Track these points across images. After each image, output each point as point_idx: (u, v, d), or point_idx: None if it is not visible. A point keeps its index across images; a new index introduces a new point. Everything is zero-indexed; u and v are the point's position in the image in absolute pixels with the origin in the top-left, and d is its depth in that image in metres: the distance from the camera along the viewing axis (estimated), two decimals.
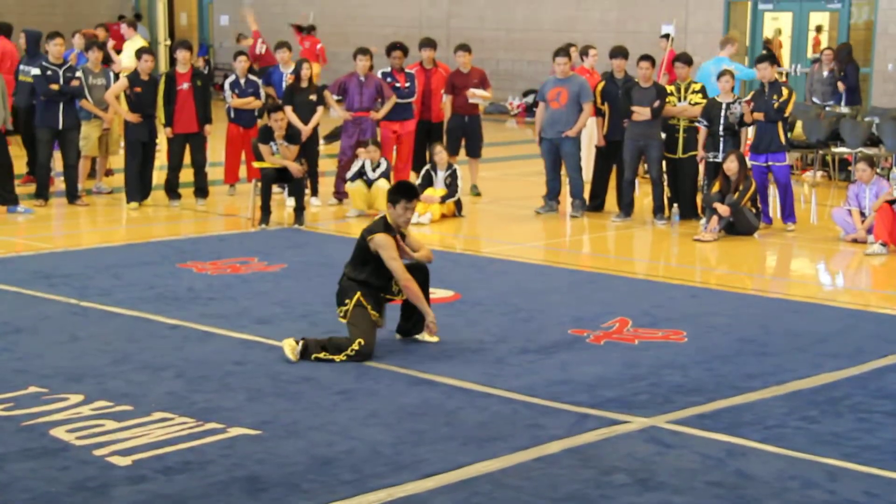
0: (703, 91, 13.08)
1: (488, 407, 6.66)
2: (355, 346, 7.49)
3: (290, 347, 7.48)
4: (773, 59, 13.00)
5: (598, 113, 13.53)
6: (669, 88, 13.15)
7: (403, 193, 7.87)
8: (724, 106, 12.69)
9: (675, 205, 13.25)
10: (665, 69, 16.53)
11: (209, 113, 13.69)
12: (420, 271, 7.92)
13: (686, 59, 13.39)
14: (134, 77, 13.37)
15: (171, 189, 13.74)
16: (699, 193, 13.14)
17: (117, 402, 6.60)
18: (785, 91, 12.59)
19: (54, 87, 13.09)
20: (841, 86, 18.40)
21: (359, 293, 7.68)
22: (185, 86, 13.49)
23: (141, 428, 6.20)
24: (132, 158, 13.35)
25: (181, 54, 13.68)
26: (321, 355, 7.47)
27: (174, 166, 13.68)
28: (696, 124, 12.87)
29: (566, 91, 13.22)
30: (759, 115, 12.49)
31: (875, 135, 16.21)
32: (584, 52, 15.14)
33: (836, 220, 12.35)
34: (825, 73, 18.49)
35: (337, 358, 7.47)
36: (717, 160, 12.64)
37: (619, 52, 13.61)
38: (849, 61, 18.51)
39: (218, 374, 7.19)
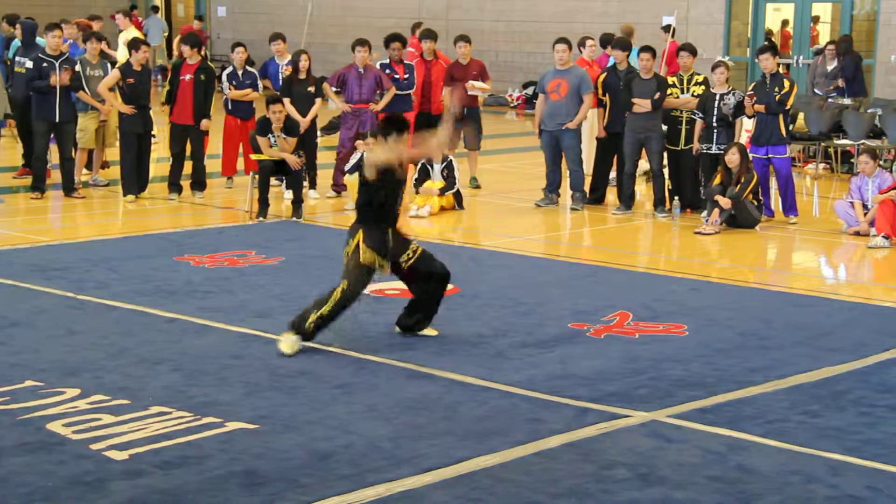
0: (705, 83, 13.02)
1: (488, 401, 6.62)
2: (338, 292, 7.39)
3: (287, 342, 7.41)
4: (774, 50, 12.94)
5: (598, 104, 13.47)
6: (671, 80, 13.09)
7: (395, 126, 7.63)
8: (717, 97, 12.63)
9: (676, 197, 13.20)
10: (666, 61, 16.46)
11: (207, 108, 13.59)
12: (439, 279, 7.81)
13: (691, 50, 13.30)
14: (126, 68, 13.31)
15: (172, 182, 13.68)
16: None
17: (114, 396, 6.56)
18: (787, 83, 12.53)
19: (40, 84, 13.03)
20: (841, 80, 18.33)
21: (359, 233, 7.57)
22: (188, 77, 13.48)
23: (138, 422, 6.16)
24: (127, 151, 13.29)
25: (182, 48, 13.73)
26: (311, 318, 7.36)
27: (175, 155, 13.64)
28: (693, 117, 12.81)
29: (566, 83, 13.17)
30: (760, 108, 12.43)
31: (878, 126, 16.17)
32: (581, 43, 15.07)
33: (838, 212, 12.30)
34: (829, 68, 18.40)
35: (325, 310, 7.36)
36: (709, 152, 12.59)
37: (621, 44, 13.54)
38: (847, 53, 18.44)
39: (215, 367, 7.15)
